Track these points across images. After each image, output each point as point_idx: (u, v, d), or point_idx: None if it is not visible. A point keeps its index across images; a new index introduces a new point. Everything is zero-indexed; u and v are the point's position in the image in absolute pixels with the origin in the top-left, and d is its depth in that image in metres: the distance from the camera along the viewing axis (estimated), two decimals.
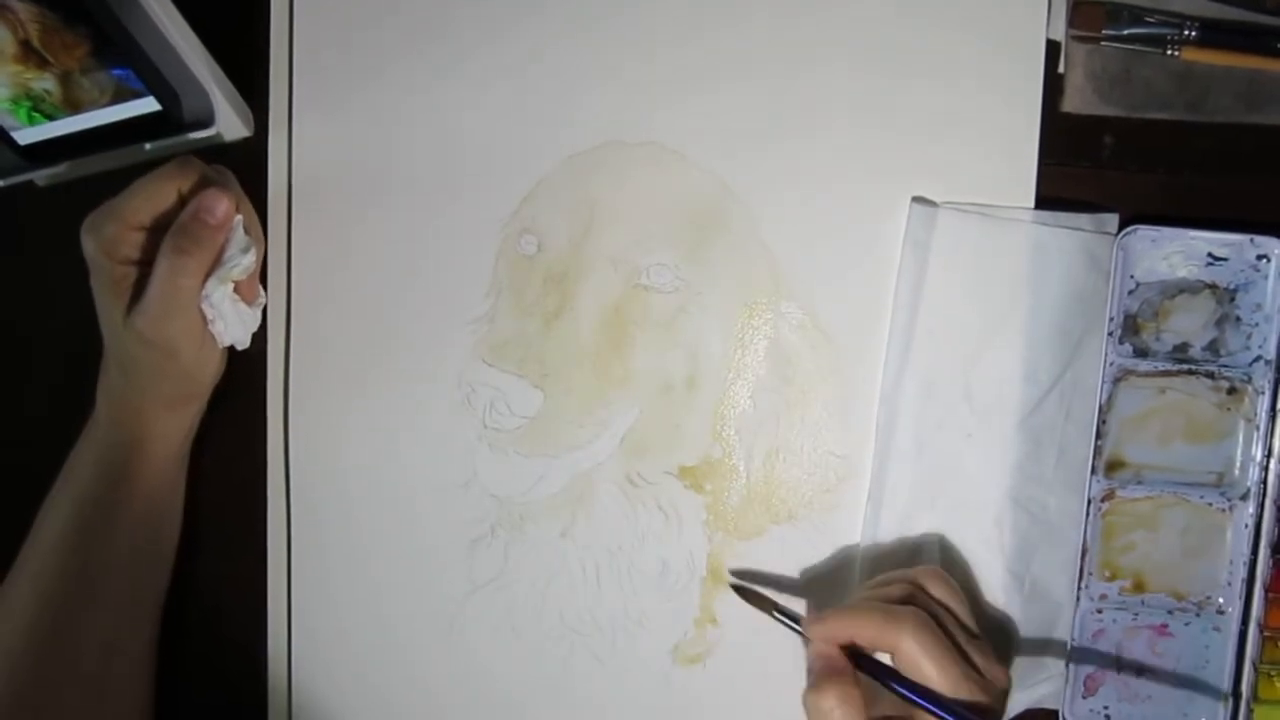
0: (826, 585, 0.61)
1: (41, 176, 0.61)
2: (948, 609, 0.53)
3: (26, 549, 0.58)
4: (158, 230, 0.56)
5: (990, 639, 0.54)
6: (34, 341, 0.64)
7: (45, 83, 0.56)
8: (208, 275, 0.56)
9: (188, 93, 0.59)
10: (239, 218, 0.57)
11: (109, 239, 0.55)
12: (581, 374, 0.61)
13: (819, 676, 0.51)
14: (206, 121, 0.59)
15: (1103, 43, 0.58)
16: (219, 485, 0.63)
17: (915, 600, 0.53)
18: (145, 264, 0.56)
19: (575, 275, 0.61)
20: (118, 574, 0.59)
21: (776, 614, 0.57)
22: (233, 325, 0.58)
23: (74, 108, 0.57)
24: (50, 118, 0.57)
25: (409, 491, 0.62)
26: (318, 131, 0.62)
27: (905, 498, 0.60)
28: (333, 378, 0.62)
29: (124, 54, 0.56)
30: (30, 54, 0.55)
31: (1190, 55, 0.58)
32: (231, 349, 0.60)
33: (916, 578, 0.54)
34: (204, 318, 0.57)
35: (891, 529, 0.60)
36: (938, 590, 0.54)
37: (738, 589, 0.60)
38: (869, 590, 0.55)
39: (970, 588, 0.60)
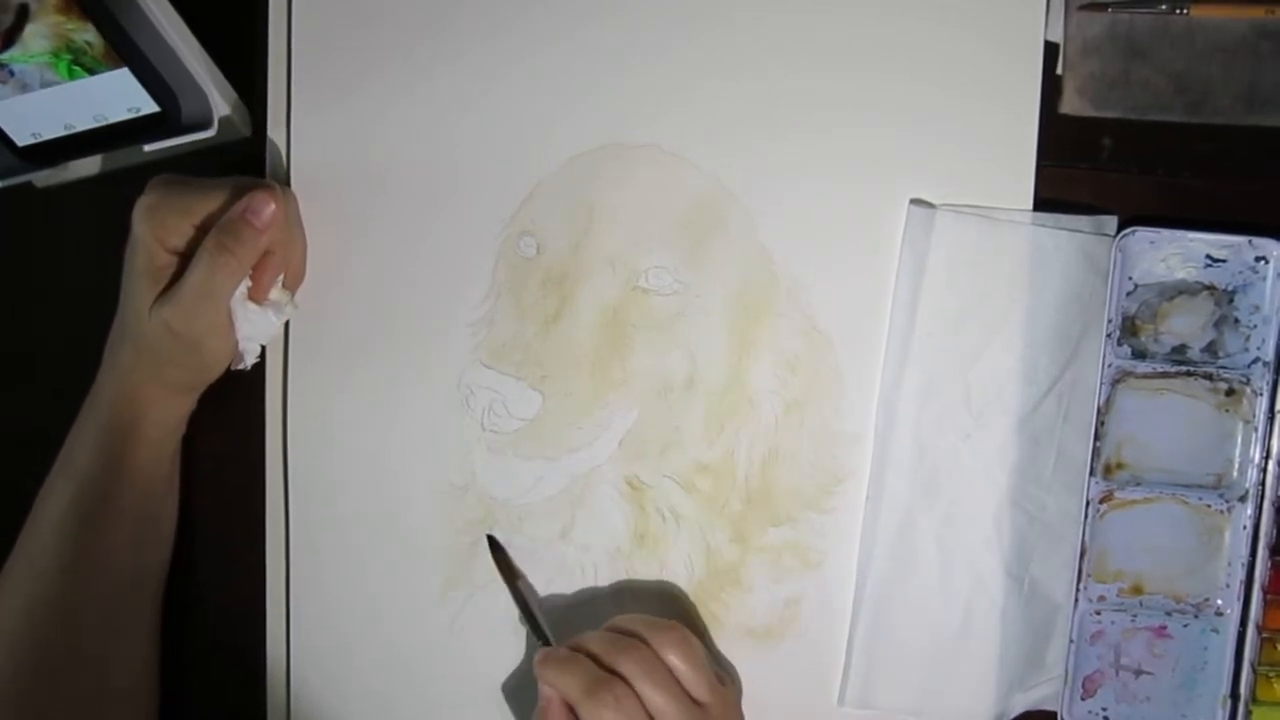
0: (824, 588, 0.61)
1: (40, 178, 0.61)
2: (677, 675, 0.54)
3: (25, 531, 0.58)
4: (208, 229, 0.56)
5: None
6: (33, 343, 0.64)
7: (87, 34, 0.54)
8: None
9: (186, 94, 0.58)
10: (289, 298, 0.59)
11: (168, 228, 0.56)
12: (580, 376, 0.61)
13: None
14: (205, 122, 0.59)
15: (1111, 9, 0.58)
16: (217, 489, 0.63)
17: (639, 665, 0.53)
18: (187, 257, 0.56)
19: (574, 277, 0.61)
20: (116, 556, 0.58)
21: (517, 594, 0.59)
22: (258, 330, 0.58)
23: (115, 61, 0.55)
24: (91, 71, 0.55)
25: (408, 494, 0.62)
26: (316, 133, 0.62)
27: (904, 499, 0.60)
28: (331, 380, 0.62)
29: (122, 55, 0.55)
30: (72, 3, 0.53)
31: (1200, 11, 0.58)
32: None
33: (649, 637, 0.54)
34: (229, 317, 0.57)
35: (890, 531, 0.60)
36: (671, 655, 0.54)
37: (493, 544, 0.61)
38: (600, 637, 0.55)
39: (968, 590, 0.60)
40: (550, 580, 0.61)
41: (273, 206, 0.56)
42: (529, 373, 0.61)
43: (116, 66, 0.56)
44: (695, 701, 0.54)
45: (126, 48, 0.56)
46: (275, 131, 0.62)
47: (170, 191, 0.57)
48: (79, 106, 0.57)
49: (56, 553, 0.57)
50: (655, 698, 0.53)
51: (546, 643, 0.58)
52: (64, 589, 0.57)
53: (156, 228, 0.56)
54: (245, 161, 0.62)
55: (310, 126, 0.62)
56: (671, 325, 0.61)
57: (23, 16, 0.53)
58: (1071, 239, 0.59)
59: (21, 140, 0.58)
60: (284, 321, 0.60)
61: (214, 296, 0.56)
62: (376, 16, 0.61)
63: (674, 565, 0.61)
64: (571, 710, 0.54)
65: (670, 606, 0.61)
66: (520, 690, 0.61)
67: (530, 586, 0.61)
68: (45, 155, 0.59)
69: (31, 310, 0.65)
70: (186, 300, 0.55)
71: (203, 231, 0.56)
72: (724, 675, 0.57)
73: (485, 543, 0.61)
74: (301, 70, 0.62)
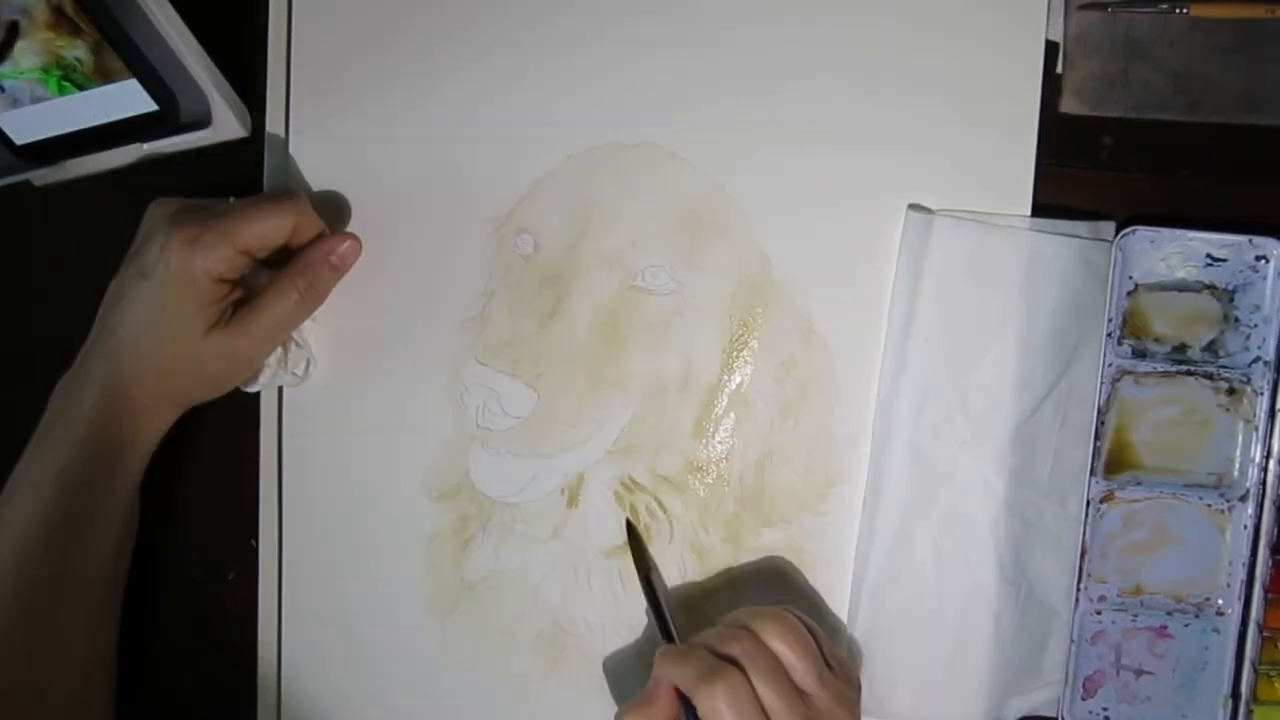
0: (821, 587, 0.61)
1: (38, 176, 0.61)
2: (783, 664, 0.52)
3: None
4: (249, 253, 0.57)
5: None
6: (32, 342, 0.64)
7: (77, 51, 0.55)
8: None
9: (185, 93, 0.59)
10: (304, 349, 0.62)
11: (219, 258, 0.55)
12: (575, 375, 0.61)
13: (635, 703, 0.53)
14: (204, 122, 0.59)
15: (1111, 8, 0.58)
16: (212, 485, 0.63)
17: (746, 656, 0.52)
18: (236, 283, 0.57)
19: (571, 276, 0.61)
20: (101, 566, 0.58)
21: (649, 586, 0.59)
22: (293, 361, 0.61)
23: (105, 77, 0.56)
24: (81, 87, 0.56)
25: (401, 491, 0.62)
26: (315, 132, 0.62)
27: (901, 505, 0.59)
28: (326, 377, 0.62)
29: (121, 55, 0.56)
30: (63, 21, 0.54)
31: (1200, 11, 0.58)
32: None
33: (757, 628, 0.53)
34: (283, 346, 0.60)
35: (887, 536, 0.59)
36: (777, 643, 0.52)
37: (631, 530, 0.60)
38: (714, 631, 0.54)
39: (964, 596, 0.59)
40: (543, 579, 0.61)
41: (355, 254, 0.59)
42: (524, 370, 0.61)
43: (106, 82, 0.56)
44: (800, 690, 0.52)
45: (126, 47, 0.56)
46: (275, 131, 0.62)
47: (200, 219, 0.56)
48: (78, 105, 0.57)
49: (43, 562, 0.56)
50: (760, 686, 0.51)
51: (669, 639, 0.57)
52: (49, 592, 0.56)
53: (208, 261, 0.55)
54: (243, 162, 0.62)
55: (310, 126, 0.62)
56: (667, 325, 0.60)
57: (13, 33, 0.54)
58: (1069, 245, 0.59)
59: (20, 139, 0.58)
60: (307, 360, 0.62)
61: (288, 329, 0.59)
62: (376, 16, 0.62)
63: (666, 565, 0.61)
64: (679, 695, 0.52)
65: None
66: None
67: (662, 580, 0.60)
68: (44, 154, 0.59)
69: (31, 310, 0.65)
70: (264, 329, 0.57)
71: (245, 255, 0.56)
72: (837, 664, 0.54)
73: (480, 541, 0.61)
74: (300, 69, 0.62)
